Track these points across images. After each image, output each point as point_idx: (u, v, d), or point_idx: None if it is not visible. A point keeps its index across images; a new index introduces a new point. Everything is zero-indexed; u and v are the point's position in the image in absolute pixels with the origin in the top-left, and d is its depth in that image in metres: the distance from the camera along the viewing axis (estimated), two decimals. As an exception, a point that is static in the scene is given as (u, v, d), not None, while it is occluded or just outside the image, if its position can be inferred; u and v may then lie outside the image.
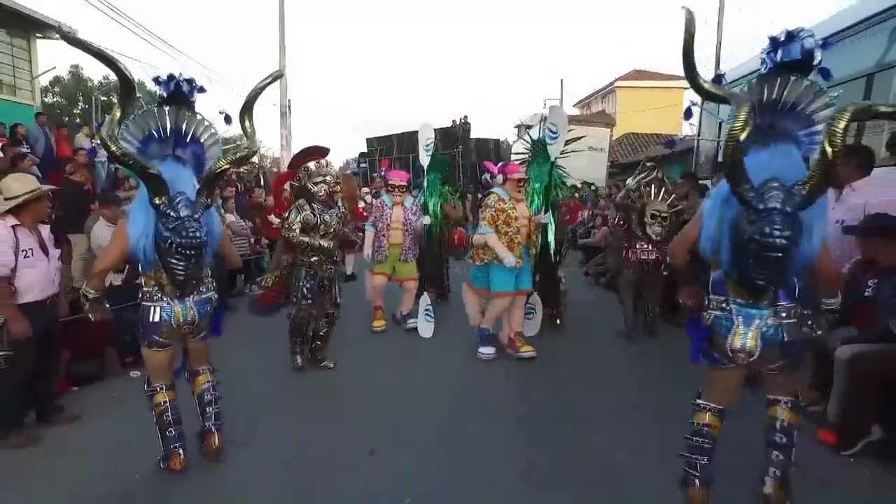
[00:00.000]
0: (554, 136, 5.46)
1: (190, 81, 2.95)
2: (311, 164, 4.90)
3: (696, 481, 2.67)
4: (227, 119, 3.04)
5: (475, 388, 4.46)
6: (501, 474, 3.14)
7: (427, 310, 5.96)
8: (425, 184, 6.70)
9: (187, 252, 2.78)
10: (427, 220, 6.22)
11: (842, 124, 2.05)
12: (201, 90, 3.02)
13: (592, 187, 15.77)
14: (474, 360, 5.10)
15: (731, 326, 2.43)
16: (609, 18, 75.28)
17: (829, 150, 2.08)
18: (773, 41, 2.43)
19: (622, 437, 3.58)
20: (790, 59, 2.38)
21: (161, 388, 3.16)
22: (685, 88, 24.77)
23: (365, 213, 7.65)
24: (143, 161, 2.71)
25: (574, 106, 34.75)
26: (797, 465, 2.66)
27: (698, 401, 2.73)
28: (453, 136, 17.50)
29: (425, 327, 5.93)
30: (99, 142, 3.88)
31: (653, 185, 5.40)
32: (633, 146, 23.78)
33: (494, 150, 18.45)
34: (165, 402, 3.15)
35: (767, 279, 2.26)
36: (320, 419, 3.91)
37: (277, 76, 3.03)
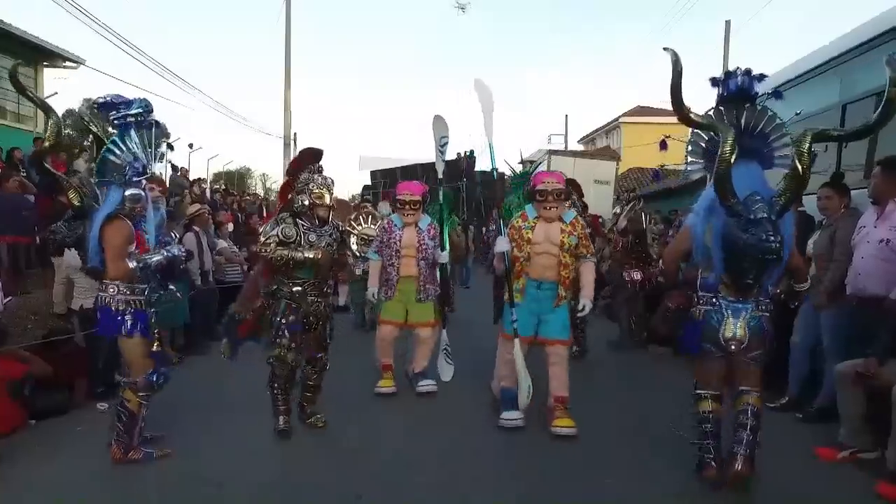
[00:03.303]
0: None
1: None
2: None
3: (712, 462, 2.96)
4: (170, 147, 3.78)
5: (472, 437, 3.90)
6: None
7: (447, 349, 4.85)
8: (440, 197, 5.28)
9: None
10: (445, 257, 4.86)
11: (806, 146, 2.61)
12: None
13: (599, 220, 15.47)
14: (478, 408, 4.34)
15: (722, 319, 2.84)
16: (614, 55, 76.77)
17: (799, 167, 2.61)
18: (713, 80, 2.96)
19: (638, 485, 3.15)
20: (728, 93, 2.88)
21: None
22: (689, 125, 24.89)
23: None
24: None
25: (578, 142, 34.87)
26: (761, 445, 2.95)
27: (697, 391, 3.05)
28: (458, 170, 17.39)
29: (444, 368, 4.83)
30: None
31: (644, 214, 6.28)
32: (638, 181, 23.63)
33: (499, 184, 18.27)
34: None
35: (755, 278, 2.72)
36: (309, 462, 3.50)
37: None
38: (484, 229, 17.12)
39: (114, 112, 3.37)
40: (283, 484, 3.19)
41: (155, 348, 3.54)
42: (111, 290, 3.33)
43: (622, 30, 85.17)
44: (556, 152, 19.65)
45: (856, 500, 2.95)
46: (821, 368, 4.08)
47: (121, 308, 3.34)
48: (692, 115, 2.76)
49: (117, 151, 3.33)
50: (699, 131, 3.03)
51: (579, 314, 4.09)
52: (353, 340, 6.18)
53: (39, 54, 14.12)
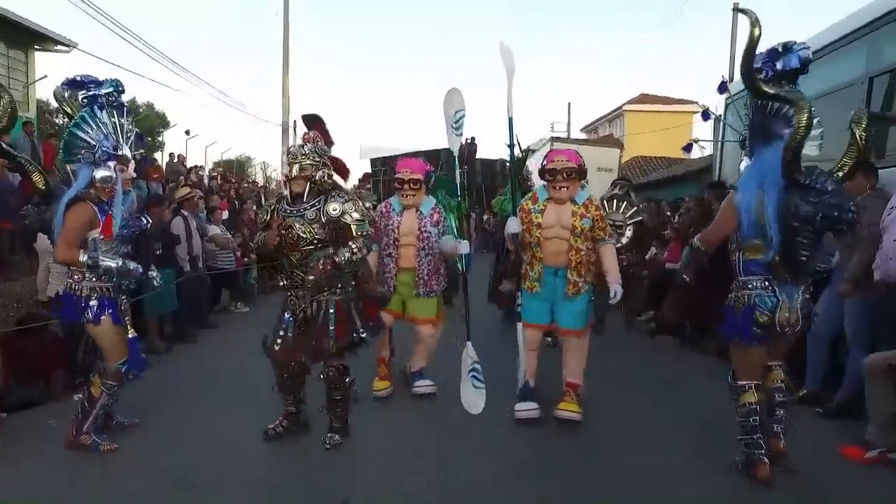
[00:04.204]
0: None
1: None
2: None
3: (764, 458, 2.82)
4: (140, 137, 3.52)
5: (474, 434, 3.59)
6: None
7: (474, 370, 3.84)
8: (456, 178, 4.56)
9: None
10: (465, 247, 4.11)
11: (864, 123, 2.73)
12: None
13: (602, 209, 15.21)
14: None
15: (777, 303, 2.73)
16: (617, 43, 75.99)
17: (860, 143, 2.73)
18: (773, 52, 2.78)
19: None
20: (790, 68, 2.73)
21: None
22: (693, 112, 24.55)
23: None
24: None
25: (581, 130, 34.46)
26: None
27: (740, 382, 2.90)
28: (460, 157, 17.18)
29: (472, 396, 3.78)
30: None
31: (615, 200, 6.09)
32: (642, 169, 23.29)
33: (500, 170, 18.16)
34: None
35: (810, 255, 2.65)
36: (294, 462, 3.20)
37: None
38: (485, 217, 16.94)
39: (83, 91, 3.25)
40: (262, 486, 2.93)
41: (130, 335, 3.38)
42: (76, 276, 3.21)
43: (625, 18, 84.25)
44: (558, 139, 19.35)
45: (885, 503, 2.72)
46: (841, 360, 3.84)
47: (85, 294, 3.19)
48: (763, 86, 2.69)
49: (84, 129, 3.19)
50: (734, 103, 2.98)
51: (611, 301, 3.74)
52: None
53: (30, 37, 13.79)
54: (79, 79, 3.26)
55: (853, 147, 2.71)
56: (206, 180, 16.20)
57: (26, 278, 6.80)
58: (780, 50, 2.77)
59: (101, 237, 3.21)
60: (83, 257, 3.11)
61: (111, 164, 3.24)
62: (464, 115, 4.22)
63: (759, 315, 2.74)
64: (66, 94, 3.30)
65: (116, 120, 3.29)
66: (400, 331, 4.50)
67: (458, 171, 4.44)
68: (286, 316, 3.32)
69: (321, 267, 3.11)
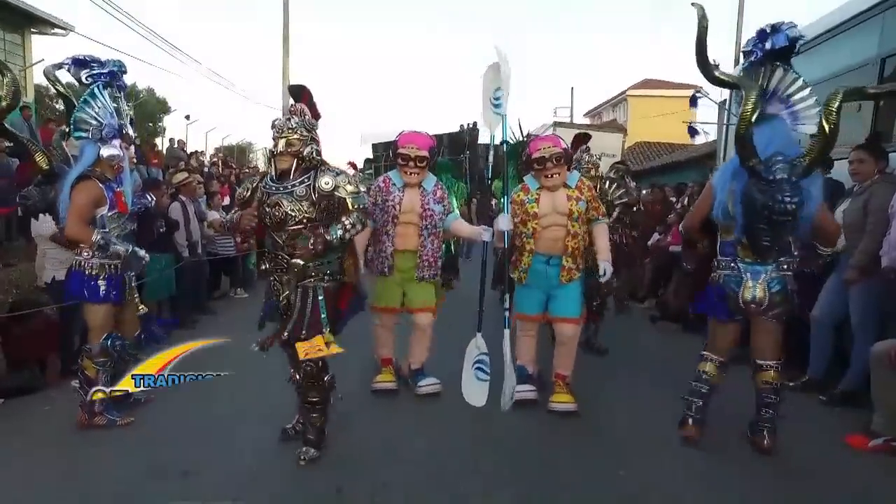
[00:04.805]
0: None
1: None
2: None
3: (690, 420, 3.12)
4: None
5: (475, 428, 3.46)
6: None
7: (480, 361, 3.62)
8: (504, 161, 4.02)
9: None
10: (489, 235, 3.76)
11: (835, 104, 2.49)
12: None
13: (604, 194, 15.10)
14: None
15: (741, 282, 2.87)
16: (621, 28, 75.00)
17: (826, 127, 2.51)
18: (762, 33, 2.79)
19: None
20: (779, 47, 2.73)
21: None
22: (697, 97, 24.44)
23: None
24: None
25: (584, 115, 34.19)
26: (784, 416, 3.05)
27: (703, 352, 3.17)
28: (461, 142, 17.03)
29: (475, 388, 3.59)
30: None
31: (607, 182, 5.94)
32: (645, 155, 23.13)
33: (503, 156, 17.93)
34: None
35: (772, 240, 2.69)
36: (287, 454, 3.04)
37: None
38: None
39: (86, 70, 3.30)
40: (257, 476, 2.87)
41: (141, 311, 3.51)
42: (85, 253, 3.28)
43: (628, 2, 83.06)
44: (561, 124, 19.16)
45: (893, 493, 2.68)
46: (845, 347, 3.79)
47: (94, 273, 3.28)
48: (717, 73, 2.81)
49: (92, 106, 3.25)
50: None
51: (600, 279, 3.69)
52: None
53: (27, 20, 13.61)
54: (82, 57, 3.31)
55: (821, 133, 2.55)
56: (206, 165, 16.12)
57: (25, 263, 6.77)
58: (767, 31, 2.78)
59: (110, 214, 3.29)
60: (96, 236, 3.19)
61: (116, 142, 3.31)
62: (502, 95, 3.70)
63: (728, 294, 2.92)
64: (70, 72, 3.32)
65: (119, 101, 3.37)
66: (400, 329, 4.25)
67: (491, 154, 4.00)
68: (268, 304, 3.09)
69: (312, 248, 2.83)
